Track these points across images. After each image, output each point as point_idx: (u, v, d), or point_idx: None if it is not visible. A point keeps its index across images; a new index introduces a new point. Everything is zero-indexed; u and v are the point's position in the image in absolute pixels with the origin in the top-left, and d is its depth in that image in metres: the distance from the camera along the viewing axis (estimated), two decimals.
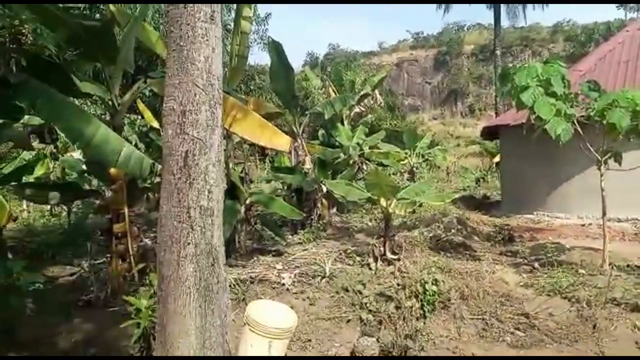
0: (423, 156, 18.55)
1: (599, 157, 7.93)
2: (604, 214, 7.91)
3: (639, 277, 7.19)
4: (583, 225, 11.34)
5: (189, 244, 3.97)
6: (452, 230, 9.88)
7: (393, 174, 17.89)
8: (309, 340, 5.44)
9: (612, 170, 7.96)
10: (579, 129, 7.71)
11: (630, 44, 14.73)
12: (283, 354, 4.37)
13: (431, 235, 9.54)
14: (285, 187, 11.97)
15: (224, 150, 9.61)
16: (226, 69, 9.42)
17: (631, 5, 54.96)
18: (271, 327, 4.25)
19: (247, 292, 6.27)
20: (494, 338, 5.54)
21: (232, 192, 8.64)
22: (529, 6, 33.42)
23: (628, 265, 7.81)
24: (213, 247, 4.07)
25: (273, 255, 8.35)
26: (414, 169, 18.38)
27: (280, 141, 7.41)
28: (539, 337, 5.51)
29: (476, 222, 11.73)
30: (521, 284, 7.10)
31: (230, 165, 8.86)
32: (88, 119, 5.70)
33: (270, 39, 11.90)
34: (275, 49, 10.91)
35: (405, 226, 10.73)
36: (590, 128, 7.81)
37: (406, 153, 17.58)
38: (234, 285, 6.31)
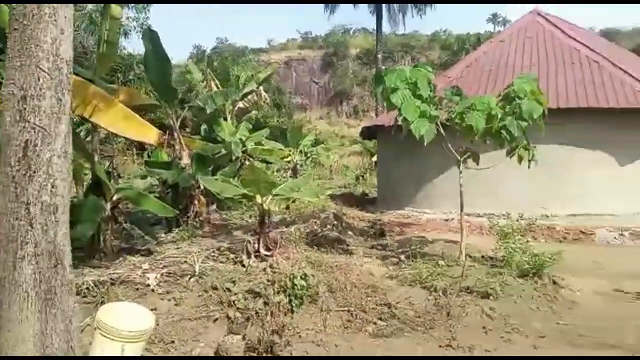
0: (306, 154, 18.88)
1: (459, 157, 8.57)
2: (462, 209, 8.58)
3: (491, 267, 7.89)
4: (447, 220, 12.23)
5: (27, 243, 3.61)
6: (328, 226, 10.14)
7: (277, 170, 17.98)
8: (172, 342, 5.24)
9: (472, 170, 8.64)
10: (442, 131, 8.26)
11: (493, 54, 16.18)
12: None
13: (308, 230, 9.70)
14: (161, 183, 11.45)
15: (90, 143, 8.99)
16: (94, 56, 8.79)
17: (499, 19, 60.98)
18: (123, 331, 4.01)
19: (107, 295, 5.87)
20: (358, 328, 5.76)
21: (96, 188, 8.09)
22: (409, 14, 35.48)
23: (482, 256, 8.56)
24: (56, 246, 3.74)
25: (142, 255, 7.93)
26: (297, 166, 18.63)
27: (147, 134, 7.05)
28: (398, 325, 5.83)
29: (352, 218, 12.16)
30: (387, 275, 7.46)
31: (96, 159, 8.27)
32: None
33: (148, 27, 11.35)
34: (150, 38, 10.36)
35: (284, 222, 10.81)
36: (452, 130, 8.40)
37: (290, 151, 17.76)
38: (92, 287, 5.89)
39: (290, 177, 17.41)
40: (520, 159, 8.47)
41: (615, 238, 10.69)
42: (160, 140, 7.54)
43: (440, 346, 5.42)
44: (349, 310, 6.12)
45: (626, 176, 12.37)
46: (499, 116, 7.96)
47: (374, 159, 21.40)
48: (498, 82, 14.06)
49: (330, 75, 56.11)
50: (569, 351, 5.45)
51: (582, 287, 7.25)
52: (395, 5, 34.04)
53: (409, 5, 34.24)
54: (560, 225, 11.32)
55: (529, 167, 8.47)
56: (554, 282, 7.16)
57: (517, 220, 10.36)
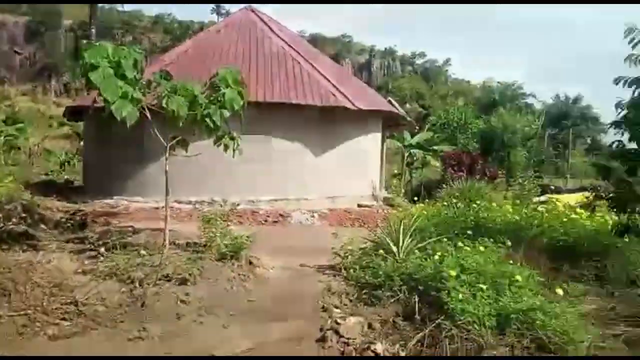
0: None
1: (165, 143, 8.40)
2: (167, 196, 8.47)
3: (193, 252, 7.99)
4: (157, 208, 11.99)
5: None
6: (14, 219, 8.77)
7: None
8: None
9: (182, 158, 8.56)
10: (148, 115, 7.96)
11: (209, 43, 16.56)
12: None
13: None
14: None
15: None
16: None
17: (223, 11, 63.24)
18: None
19: None
20: (35, 333, 5.09)
21: None
22: None
23: (187, 243, 8.61)
24: None
25: None
26: None
27: None
28: (85, 323, 5.37)
29: (49, 209, 10.83)
30: (80, 270, 6.83)
31: None
32: None
33: None
34: None
35: None
36: (162, 115, 8.17)
37: None
38: None
39: None
40: (226, 148, 8.79)
41: (307, 219, 12.18)
42: None
43: (129, 339, 5.20)
44: (27, 314, 5.37)
45: (320, 165, 14.27)
46: (204, 104, 8.10)
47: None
48: (212, 70, 14.36)
49: (37, 46, 49.06)
50: (254, 326, 5.88)
51: (275, 264, 7.99)
52: None
53: None
54: (263, 209, 12.31)
55: (233, 156, 8.85)
56: (250, 262, 7.69)
57: (221, 206, 10.81)
